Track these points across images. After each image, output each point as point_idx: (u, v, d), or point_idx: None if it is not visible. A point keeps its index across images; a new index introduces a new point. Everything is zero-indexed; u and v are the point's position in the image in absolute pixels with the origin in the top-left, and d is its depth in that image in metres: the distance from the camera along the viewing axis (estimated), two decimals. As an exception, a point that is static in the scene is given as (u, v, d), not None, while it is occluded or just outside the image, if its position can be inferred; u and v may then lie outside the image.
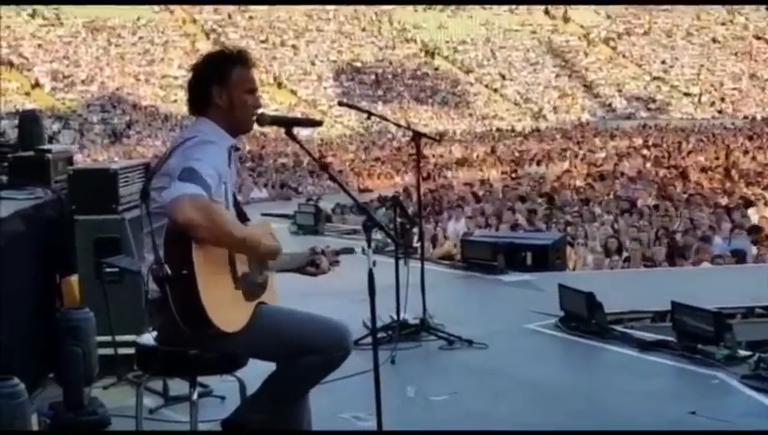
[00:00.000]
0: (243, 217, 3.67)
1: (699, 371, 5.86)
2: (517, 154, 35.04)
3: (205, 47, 51.11)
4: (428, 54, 66.67)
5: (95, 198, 5.74)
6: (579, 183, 22.16)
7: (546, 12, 72.85)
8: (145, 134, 49.90)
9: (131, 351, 3.82)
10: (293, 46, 64.17)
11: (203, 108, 3.61)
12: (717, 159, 27.82)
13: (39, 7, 60.67)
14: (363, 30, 68.12)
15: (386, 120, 8.72)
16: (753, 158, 28.28)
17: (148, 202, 3.50)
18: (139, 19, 62.72)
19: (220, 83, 3.57)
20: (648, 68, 67.93)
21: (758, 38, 71.32)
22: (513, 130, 52.81)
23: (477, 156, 35.12)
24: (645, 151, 32.54)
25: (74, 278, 5.83)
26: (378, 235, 7.14)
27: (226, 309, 3.37)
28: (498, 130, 53.88)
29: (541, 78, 65.60)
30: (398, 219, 7.26)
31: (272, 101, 53.34)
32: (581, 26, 72.01)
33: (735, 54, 69.35)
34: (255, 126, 3.73)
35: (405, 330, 6.69)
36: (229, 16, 65.57)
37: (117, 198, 5.75)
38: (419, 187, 7.81)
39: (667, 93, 65.09)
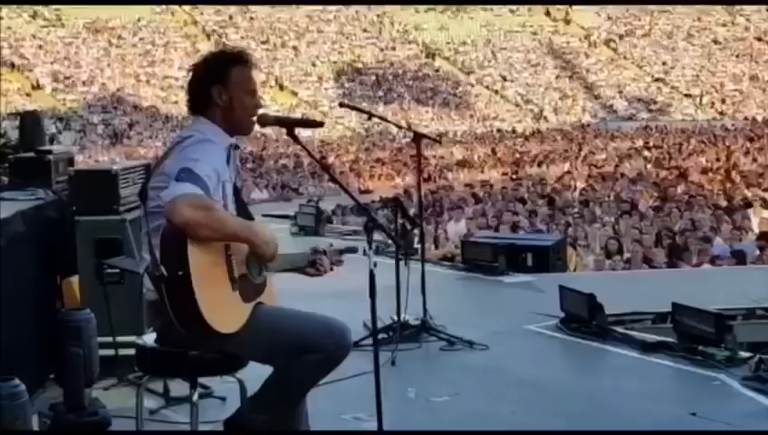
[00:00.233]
0: (247, 216, 3.67)
1: (700, 372, 5.86)
2: (518, 155, 35.01)
3: (205, 48, 51.08)
4: (429, 56, 66.67)
5: (96, 199, 5.74)
6: (579, 184, 22.15)
7: (547, 13, 72.83)
8: (146, 135, 49.91)
9: (132, 352, 3.82)
10: (294, 47, 64.19)
11: (203, 108, 3.61)
12: (718, 160, 27.79)
13: (40, 8, 60.70)
14: (364, 31, 68.13)
15: (387, 121, 8.71)
16: (754, 159, 28.25)
17: (147, 202, 3.51)
18: (139, 20, 62.74)
19: (220, 83, 3.58)
20: (648, 69, 67.92)
21: (759, 39, 71.30)
22: (513, 132, 52.79)
23: (478, 157, 35.10)
24: (646, 153, 32.51)
25: (75, 279, 5.83)
26: (379, 236, 7.14)
27: (223, 310, 3.37)
28: (499, 131, 53.86)
29: (541, 79, 65.59)
30: (399, 220, 7.26)
31: (273, 102, 53.35)
32: (582, 28, 72.00)
33: (736, 56, 69.33)
34: (257, 127, 3.74)
35: (405, 331, 6.69)
36: (230, 17, 65.58)
37: (117, 199, 5.75)
38: (420, 188, 7.81)
39: (668, 95, 65.09)
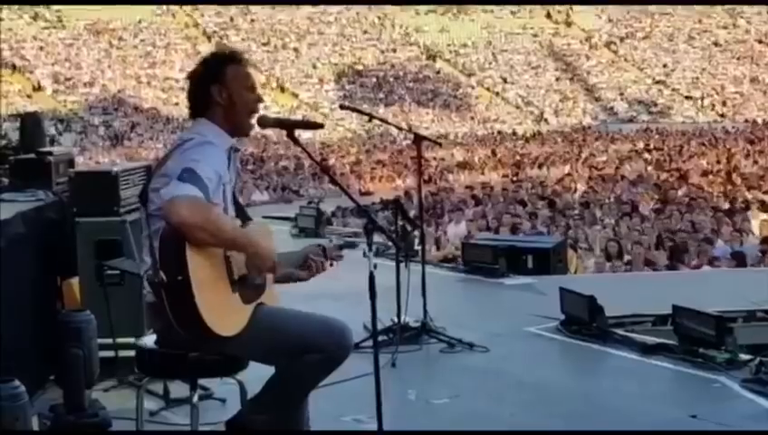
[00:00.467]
0: (244, 217, 3.68)
1: (700, 374, 5.85)
2: (518, 157, 35.02)
3: (206, 50, 51.02)
4: (430, 57, 66.70)
5: (96, 201, 5.75)
6: (580, 186, 22.15)
7: (548, 15, 72.86)
8: (146, 137, 49.92)
9: (132, 353, 3.82)
10: (295, 49, 64.21)
11: (203, 108, 3.62)
12: (719, 162, 27.80)
13: (41, 10, 60.73)
14: (365, 33, 68.16)
15: (387, 123, 8.70)
16: (755, 161, 28.26)
17: (147, 204, 3.51)
18: (140, 22, 62.77)
19: (218, 81, 3.59)
20: (649, 71, 67.94)
21: (760, 42, 71.31)
22: (514, 134, 52.80)
23: (478, 159, 35.11)
24: (646, 155, 32.53)
25: (75, 280, 5.83)
26: (379, 237, 7.14)
27: (224, 313, 3.36)
28: (499, 133, 53.88)
29: (542, 81, 65.61)
30: (399, 222, 7.25)
31: (273, 104, 53.37)
32: (583, 30, 72.02)
33: (737, 58, 69.35)
34: (257, 128, 3.74)
35: (406, 333, 6.69)
36: (231, 19, 65.62)
37: (118, 201, 5.75)
38: (420, 189, 7.81)
39: (669, 97, 65.10)
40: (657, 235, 13.27)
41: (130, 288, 5.44)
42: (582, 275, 11.33)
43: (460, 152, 38.17)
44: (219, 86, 3.59)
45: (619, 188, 20.65)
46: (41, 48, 58.33)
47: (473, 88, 64.04)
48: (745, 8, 73.11)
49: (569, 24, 72.57)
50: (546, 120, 60.70)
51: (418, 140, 7.22)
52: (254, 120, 3.69)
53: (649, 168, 27.84)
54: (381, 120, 8.22)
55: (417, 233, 8.20)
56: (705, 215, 14.80)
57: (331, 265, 3.84)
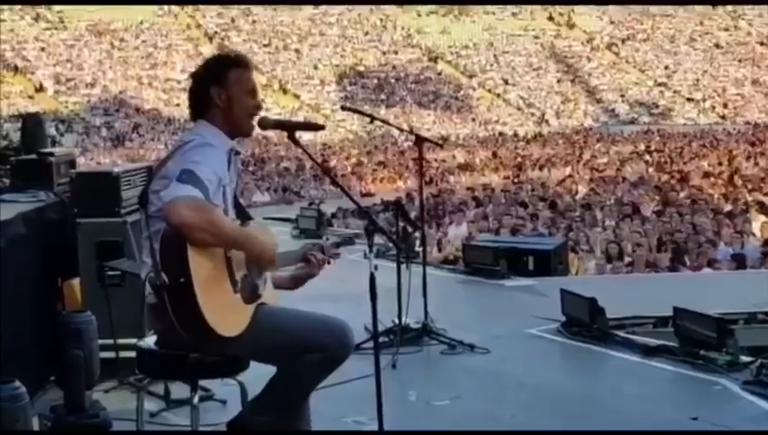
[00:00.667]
0: (245, 217, 3.68)
1: (701, 376, 5.85)
2: (519, 159, 35.02)
3: (208, 51, 51.10)
4: (431, 59, 66.70)
5: (97, 202, 5.75)
6: (581, 188, 22.15)
7: (550, 18, 72.86)
8: (148, 138, 49.92)
9: (133, 354, 3.82)
10: (296, 50, 64.22)
11: (203, 110, 3.62)
12: (720, 164, 27.80)
13: (43, 11, 60.77)
14: (366, 34, 68.17)
15: (388, 124, 8.71)
16: (756, 163, 28.26)
17: (148, 206, 3.51)
18: (142, 23, 62.79)
19: (218, 84, 3.59)
20: (650, 73, 67.94)
21: (761, 44, 71.30)
22: (515, 135, 52.80)
23: (480, 160, 35.12)
24: (647, 157, 32.52)
25: (76, 281, 5.83)
26: (380, 239, 7.15)
27: (226, 314, 3.37)
28: (501, 134, 53.87)
29: (543, 83, 65.61)
30: (400, 223, 7.25)
31: (274, 105, 53.37)
32: (584, 31, 72.03)
33: (739, 60, 69.34)
34: (258, 130, 3.74)
35: (406, 334, 6.69)
36: (232, 20, 65.64)
37: (119, 202, 5.75)
38: (422, 191, 7.80)
39: (670, 99, 65.10)
40: (658, 237, 13.27)
41: (131, 289, 5.44)
42: (583, 277, 11.33)
43: (461, 154, 38.17)
44: (219, 89, 3.59)
45: (620, 189, 20.66)
46: (42, 49, 58.34)
47: (474, 89, 64.04)
48: (747, 10, 73.10)
49: (570, 26, 72.58)
50: (547, 121, 60.70)
51: (420, 141, 7.22)
52: (254, 121, 3.69)
53: (650, 169, 27.85)
54: (383, 121, 8.22)
55: (418, 234, 8.20)
56: (707, 217, 14.80)
57: (329, 262, 3.84)
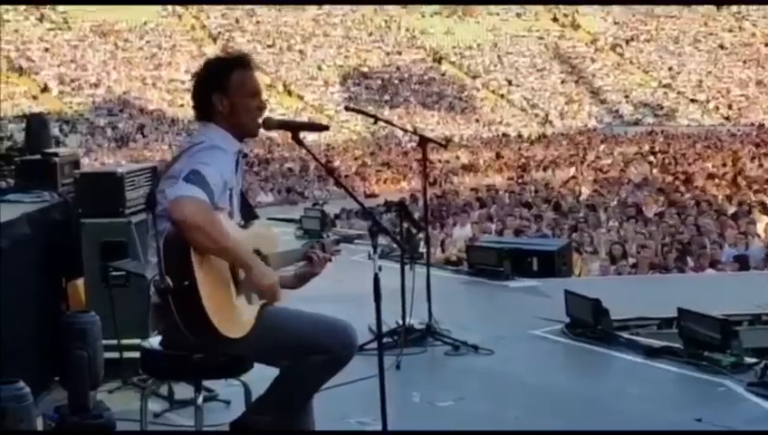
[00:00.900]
0: (252, 216, 3.67)
1: (705, 378, 5.84)
2: (523, 160, 34.99)
3: (212, 51, 51.08)
4: (435, 60, 66.69)
5: (102, 202, 5.75)
6: (585, 189, 22.14)
7: (554, 19, 72.82)
8: (152, 138, 49.94)
9: (137, 354, 3.82)
10: (300, 51, 64.23)
11: (207, 115, 3.61)
12: (724, 165, 27.75)
13: (47, 11, 60.84)
14: (370, 35, 68.16)
15: (392, 124, 8.69)
16: (761, 164, 28.22)
17: (155, 206, 3.50)
18: (146, 23, 62.82)
19: (220, 90, 3.57)
20: (655, 74, 67.85)
21: (766, 45, 71.15)
22: (519, 136, 52.74)
23: (484, 161, 35.09)
24: (651, 158, 32.47)
25: (80, 282, 5.84)
26: (384, 240, 7.14)
27: (232, 315, 3.36)
28: (505, 135, 53.82)
29: (547, 84, 65.55)
30: (404, 224, 7.25)
31: (278, 106, 53.38)
32: (588, 32, 71.98)
33: (743, 61, 69.23)
34: (262, 130, 3.73)
35: (410, 335, 6.69)
36: (236, 21, 65.66)
37: (123, 202, 5.76)
38: (426, 192, 7.80)
39: (674, 100, 65.01)
40: (662, 238, 13.26)
41: (135, 289, 5.44)
42: (587, 278, 11.33)
43: (465, 155, 38.14)
44: (221, 95, 3.57)
45: (624, 190, 20.64)
46: (46, 49, 58.40)
47: (478, 90, 64.01)
48: (752, 11, 72.99)
49: (574, 27, 72.53)
50: (551, 122, 60.65)
51: (424, 142, 7.21)
52: (259, 121, 3.68)
53: (655, 170, 27.81)
54: (386, 121, 8.22)
55: (422, 235, 8.19)
56: (711, 218, 14.79)
57: (330, 260, 3.83)
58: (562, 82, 66.18)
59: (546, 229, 14.46)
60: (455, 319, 7.21)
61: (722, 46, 70.92)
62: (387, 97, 61.00)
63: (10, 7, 56.68)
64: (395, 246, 7.87)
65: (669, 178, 23.78)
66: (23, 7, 59.11)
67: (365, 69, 64.02)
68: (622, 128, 55.58)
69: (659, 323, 7.95)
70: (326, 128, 4.23)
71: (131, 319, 5.35)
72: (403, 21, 69.44)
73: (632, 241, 13.16)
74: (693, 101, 64.83)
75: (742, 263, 11.58)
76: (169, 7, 64.75)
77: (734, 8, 73.56)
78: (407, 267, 6.54)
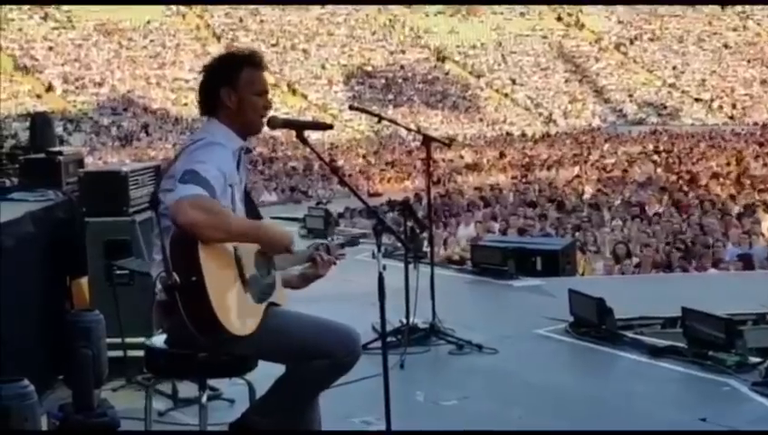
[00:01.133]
0: (256, 217, 3.67)
1: (709, 377, 5.84)
2: (527, 159, 34.96)
3: (216, 50, 51.11)
4: (439, 59, 66.68)
5: (106, 201, 5.76)
6: (589, 188, 22.12)
7: (559, 18, 72.78)
8: (156, 137, 49.98)
9: (141, 353, 3.82)
10: (304, 50, 64.26)
11: (213, 109, 3.61)
12: (729, 165, 27.71)
13: (51, 10, 60.90)
14: (374, 34, 68.17)
15: (396, 123, 8.69)
16: (765, 164, 28.16)
17: (158, 205, 3.50)
18: (149, 22, 62.88)
19: (229, 85, 3.57)
20: (659, 73, 67.80)
21: (770, 44, 71.16)
22: (523, 135, 52.74)
23: (487, 160, 35.06)
24: (655, 157, 32.43)
25: (84, 280, 5.85)
26: (388, 239, 7.14)
27: (238, 313, 3.36)
28: (508, 134, 53.82)
29: (551, 83, 65.53)
30: (408, 223, 7.25)
31: (282, 105, 53.39)
32: (592, 32, 71.94)
33: (747, 60, 69.16)
34: (266, 129, 3.73)
35: (414, 334, 6.68)
36: (240, 20, 65.70)
37: (127, 201, 5.76)
38: (429, 191, 7.80)
39: (678, 99, 64.96)
40: (666, 237, 13.25)
41: (140, 288, 5.45)
42: (591, 277, 11.32)
43: (469, 154, 38.11)
44: (230, 90, 3.57)
45: (628, 190, 20.62)
46: (51, 48, 58.47)
47: (482, 89, 64.00)
48: (756, 11, 72.91)
49: (578, 26, 72.48)
50: (555, 121, 60.63)
51: (428, 141, 7.20)
52: (263, 120, 3.68)
53: (658, 170, 27.77)
54: (390, 121, 8.21)
55: (425, 234, 8.19)
56: (715, 217, 14.77)
57: (335, 263, 3.83)
58: (566, 81, 66.17)
59: (550, 229, 14.45)
60: (459, 318, 7.21)
61: (726, 45, 70.86)
62: (390, 96, 61.02)
63: (14, 6, 56.74)
64: (399, 245, 7.88)
65: (673, 178, 23.74)
66: (27, 6, 59.16)
67: (369, 68, 64.05)
68: (626, 127, 55.56)
69: (663, 322, 7.94)
70: (330, 127, 4.22)
71: (135, 317, 5.35)
72: (407, 20, 69.46)
73: (636, 241, 13.15)
74: (697, 100, 64.78)
75: (746, 262, 11.57)
76: (173, 6, 64.79)
77: (739, 7, 73.46)
78: (411, 266, 6.54)
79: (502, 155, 37.02)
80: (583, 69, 67.79)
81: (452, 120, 59.18)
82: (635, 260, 12.09)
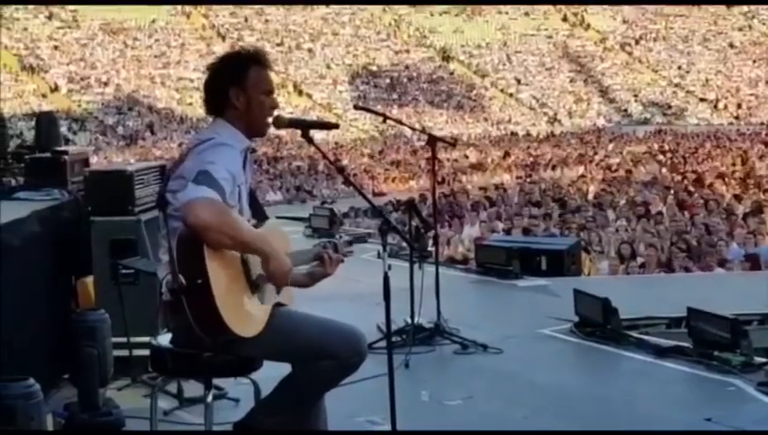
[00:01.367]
0: (262, 217, 3.67)
1: (715, 377, 5.83)
2: (532, 159, 34.95)
3: (220, 50, 51.09)
4: (444, 59, 66.67)
5: (111, 200, 5.76)
6: (593, 188, 22.09)
7: (564, 18, 72.72)
8: (160, 136, 50.06)
9: (146, 352, 3.82)
10: (309, 50, 64.30)
11: (220, 109, 3.60)
12: (734, 164, 27.66)
13: (56, 9, 60.99)
14: (379, 34, 68.18)
15: (401, 123, 8.67)
16: (770, 164, 28.14)
17: (166, 206, 3.50)
18: (154, 22, 62.94)
19: (237, 85, 3.55)
20: (664, 73, 67.73)
21: (776, 44, 71.03)
22: (528, 135, 52.73)
23: (492, 160, 35.06)
24: (660, 157, 32.39)
25: (90, 279, 5.85)
26: (392, 238, 7.14)
27: (244, 315, 3.36)
28: (513, 134, 53.81)
29: (556, 83, 65.50)
30: (413, 223, 7.25)
31: (287, 105, 53.40)
32: (597, 31, 71.87)
33: (753, 60, 69.04)
34: (271, 129, 3.73)
35: (419, 334, 6.68)
36: (245, 19, 65.75)
37: (133, 200, 5.77)
38: (434, 191, 7.79)
39: (683, 99, 64.89)
40: (671, 237, 13.22)
41: (145, 287, 5.46)
42: (596, 277, 11.31)
43: (474, 154, 38.10)
44: (238, 90, 3.55)
45: (633, 190, 20.58)
46: (56, 48, 58.56)
47: (487, 89, 63.99)
48: (761, 10, 72.80)
49: (583, 26, 72.42)
50: (560, 121, 60.61)
51: (432, 140, 7.20)
52: (270, 120, 3.67)
53: (663, 170, 27.74)
54: (395, 120, 8.20)
55: (430, 234, 8.19)
56: (720, 217, 14.74)
57: (343, 261, 3.83)
58: (571, 80, 66.13)
59: (554, 229, 14.43)
60: (463, 318, 7.20)
61: (731, 45, 70.75)
62: (395, 96, 61.04)
63: (19, 6, 56.83)
64: (404, 244, 7.89)
65: (678, 178, 23.71)
66: (32, 6, 59.25)
67: (374, 67, 64.06)
68: (631, 127, 55.50)
69: (669, 322, 7.92)
70: (336, 126, 4.22)
71: (141, 317, 5.36)
72: (412, 20, 69.44)
73: (640, 241, 13.13)
74: (702, 100, 64.70)
75: (753, 262, 11.54)
76: (178, 6, 64.84)
77: (745, 7, 73.34)
78: (415, 266, 6.53)
79: (506, 155, 37.01)
80: (588, 69, 67.74)
81: (457, 119, 59.18)
82: (640, 260, 12.08)
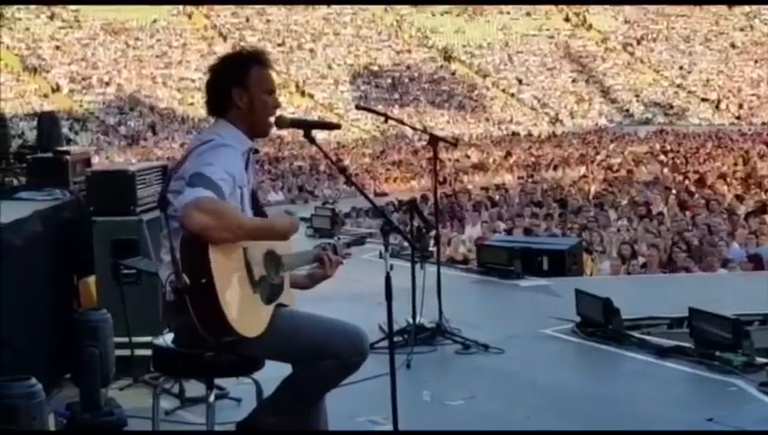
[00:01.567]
0: (262, 216, 3.67)
1: (716, 377, 5.83)
2: (533, 159, 34.94)
3: (222, 50, 51.12)
4: (445, 59, 66.65)
5: (113, 200, 5.77)
6: (595, 188, 22.09)
7: (566, 19, 72.69)
8: (162, 136, 50.07)
9: (148, 352, 3.83)
10: (311, 50, 64.29)
11: (222, 110, 3.60)
12: (735, 164, 27.65)
13: (58, 9, 61.01)
14: (380, 34, 68.17)
15: (402, 123, 8.67)
16: (772, 164, 28.11)
17: (167, 206, 3.50)
18: (156, 22, 62.95)
19: (240, 85, 3.55)
20: (665, 73, 67.69)
21: (777, 44, 70.97)
22: (529, 135, 52.71)
23: (494, 160, 35.05)
24: (662, 157, 32.37)
25: (91, 279, 5.86)
26: (394, 239, 7.14)
27: (247, 315, 3.36)
28: (515, 134, 53.80)
29: (558, 83, 65.46)
30: (415, 223, 7.25)
31: (288, 105, 53.39)
32: (599, 31, 71.84)
33: (754, 60, 68.98)
34: (273, 129, 3.73)
35: (421, 334, 6.69)
36: (247, 20, 65.75)
37: (135, 200, 5.77)
38: (436, 191, 7.80)
39: (685, 99, 64.85)
40: (672, 237, 13.22)
41: (147, 287, 5.46)
42: (598, 277, 11.31)
43: (475, 154, 38.10)
44: (240, 90, 3.55)
45: (635, 190, 20.58)
46: (57, 48, 58.57)
47: (488, 89, 63.97)
48: (763, 10, 72.75)
49: (585, 26, 72.39)
50: (561, 121, 60.58)
51: (434, 140, 7.20)
52: (272, 120, 3.67)
53: (665, 170, 27.72)
54: (397, 120, 8.19)
55: (432, 234, 8.19)
56: (721, 218, 14.74)
57: (342, 262, 3.83)
58: (573, 81, 66.10)
59: (556, 229, 14.43)
60: (465, 318, 7.21)
61: (733, 45, 70.71)
62: (397, 96, 61.03)
63: (21, 6, 56.86)
64: (405, 244, 7.88)
65: (680, 178, 23.70)
66: (33, 6, 59.27)
67: (375, 68, 64.04)
68: (633, 127, 55.46)
69: (670, 322, 7.92)
70: (338, 126, 4.23)
71: (143, 317, 5.37)
72: (413, 20, 69.42)
73: (642, 241, 13.13)
74: (704, 100, 64.65)
75: (756, 262, 11.54)
76: (180, 6, 64.85)
77: (746, 7, 73.29)
78: (417, 266, 6.54)
79: (508, 155, 37.00)
80: (590, 69, 67.71)
81: (458, 119, 59.16)
82: (641, 260, 12.07)
